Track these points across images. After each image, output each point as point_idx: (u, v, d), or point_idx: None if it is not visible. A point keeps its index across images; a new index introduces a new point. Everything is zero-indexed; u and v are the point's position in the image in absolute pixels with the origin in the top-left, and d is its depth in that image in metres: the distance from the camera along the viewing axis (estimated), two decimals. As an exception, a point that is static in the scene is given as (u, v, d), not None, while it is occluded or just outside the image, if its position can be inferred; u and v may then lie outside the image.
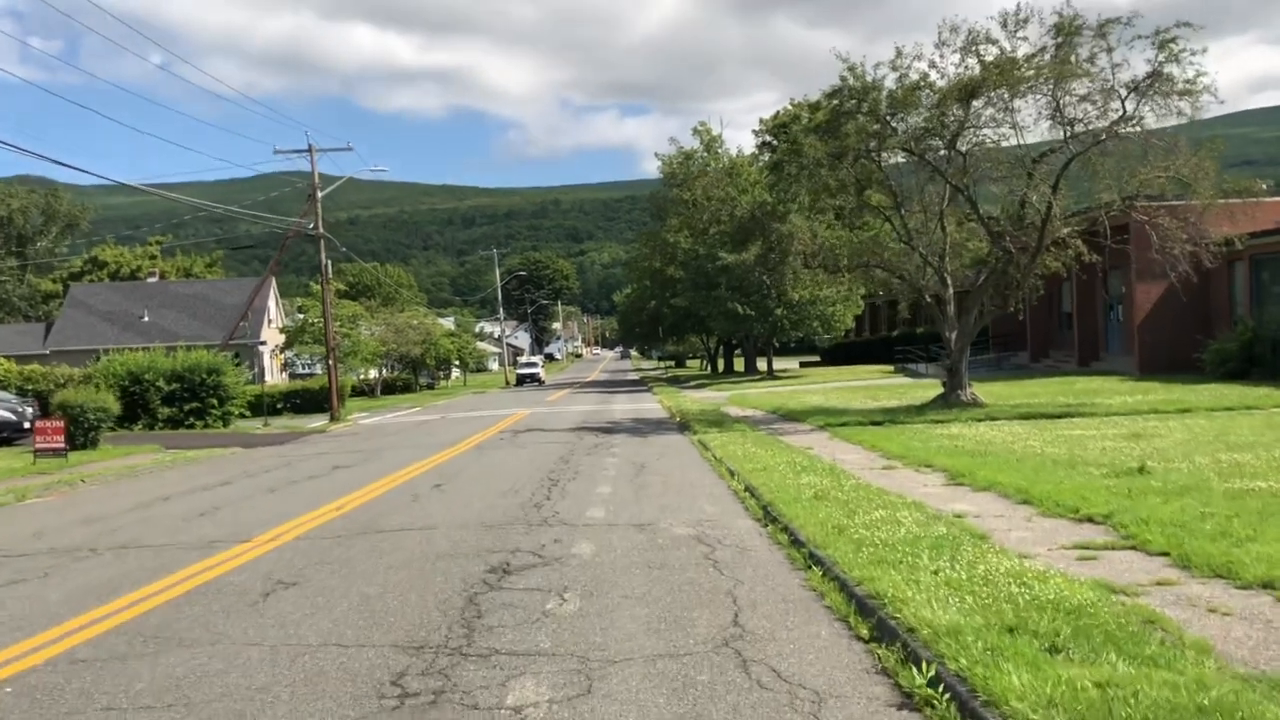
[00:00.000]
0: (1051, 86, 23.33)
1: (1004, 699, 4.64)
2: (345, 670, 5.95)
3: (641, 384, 64.95)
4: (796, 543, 9.14)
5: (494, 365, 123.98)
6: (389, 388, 67.77)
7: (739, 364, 71.57)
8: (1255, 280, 32.24)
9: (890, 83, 25.58)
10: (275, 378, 61.43)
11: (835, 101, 26.57)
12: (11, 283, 72.89)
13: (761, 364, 63.71)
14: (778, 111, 67.48)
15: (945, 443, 17.41)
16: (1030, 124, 24.95)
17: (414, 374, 73.62)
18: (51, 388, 33.77)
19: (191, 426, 35.21)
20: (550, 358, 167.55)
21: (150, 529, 12.06)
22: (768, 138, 68.11)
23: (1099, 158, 24.16)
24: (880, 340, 68.66)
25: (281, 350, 58.48)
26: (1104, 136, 23.49)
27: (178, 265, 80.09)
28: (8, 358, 44.95)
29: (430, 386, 78.85)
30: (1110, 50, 23.39)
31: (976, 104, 24.78)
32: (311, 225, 38.28)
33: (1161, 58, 22.48)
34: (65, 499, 16.34)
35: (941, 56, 24.92)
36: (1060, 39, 23.66)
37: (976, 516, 10.16)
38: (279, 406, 46.65)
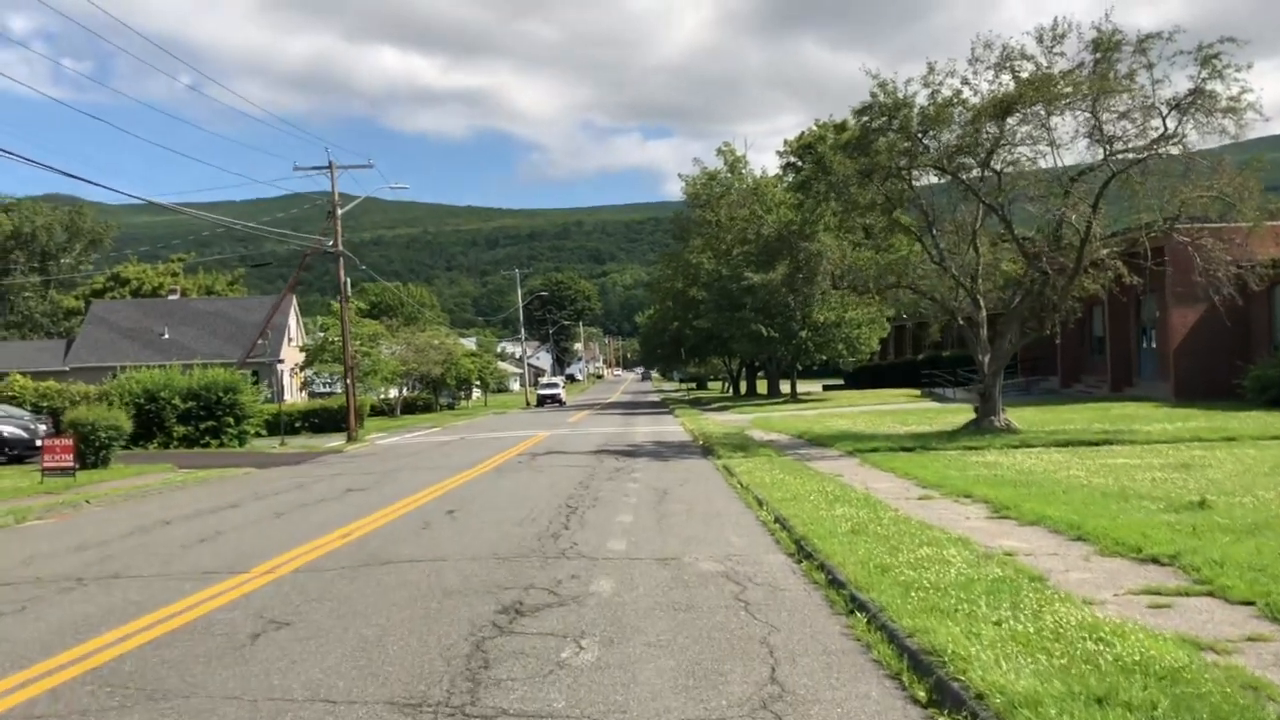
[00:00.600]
0: (1091, 103, 22.55)
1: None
2: (332, 731, 5.24)
3: (663, 406, 64.20)
4: (835, 583, 8.38)
5: (515, 386, 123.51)
6: (409, 407, 67.28)
7: (761, 386, 70.76)
8: (1298, 305, 31.29)
9: (922, 99, 24.90)
10: (295, 396, 61.06)
11: (865, 118, 25.88)
12: (35, 299, 73.00)
13: (784, 387, 62.88)
14: (802, 132, 66.93)
15: (983, 471, 16.60)
16: (1067, 141, 24.21)
17: (434, 394, 73.14)
18: (66, 405, 33.39)
19: (207, 445, 34.71)
20: (571, 379, 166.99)
21: (145, 557, 11.40)
22: (792, 158, 67.58)
23: (1139, 177, 23.38)
24: (905, 364, 67.66)
25: (301, 369, 58.08)
26: (1144, 155, 22.71)
27: (199, 283, 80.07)
28: (27, 374, 44.71)
29: (451, 406, 78.32)
30: (1151, 66, 22.63)
31: (1011, 121, 24.06)
32: (331, 243, 37.83)
33: (1204, 74, 21.66)
34: (65, 522, 15.74)
35: (975, 73, 24.23)
36: (1099, 55, 22.91)
37: (1029, 555, 9.38)
38: (297, 425, 46.17)
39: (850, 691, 5.72)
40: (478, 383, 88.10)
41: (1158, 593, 7.56)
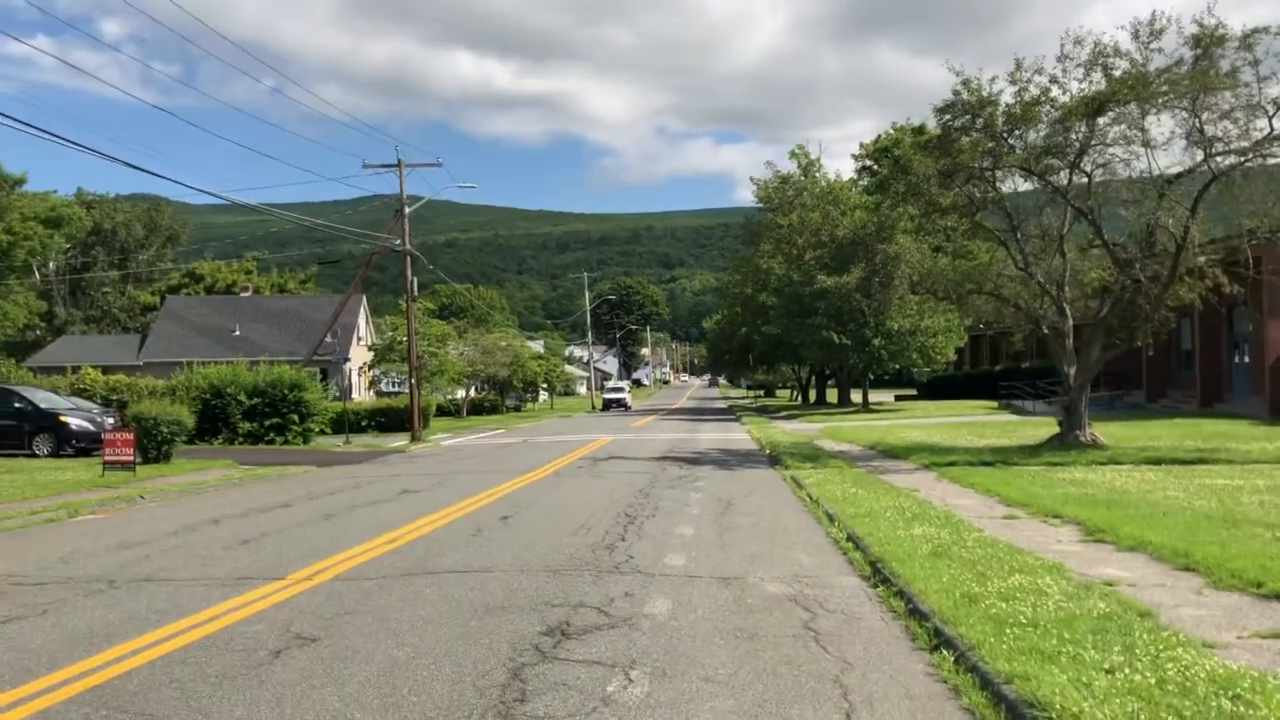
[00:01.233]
0: (1190, 102, 21.25)
1: None
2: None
3: (729, 413, 63.26)
4: (916, 613, 7.53)
5: (581, 389, 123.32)
6: (476, 408, 67.22)
7: (831, 395, 69.44)
8: None
9: (1008, 98, 23.79)
10: (362, 396, 61.30)
11: (947, 117, 24.80)
12: (113, 294, 74.45)
13: (855, 396, 61.55)
14: (879, 135, 65.76)
15: (1071, 489, 15.54)
16: (1162, 143, 22.90)
17: (501, 395, 73.04)
18: (135, 399, 33.56)
19: (271, 442, 34.66)
20: (638, 383, 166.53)
21: (183, 559, 10.92)
22: (868, 162, 66.31)
23: (1241, 181, 22.05)
24: (982, 375, 65.87)
25: (369, 368, 58.27)
26: (1248, 157, 21.37)
27: (272, 281, 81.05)
28: (100, 367, 45.31)
29: (517, 409, 78.22)
30: (1257, 63, 21.31)
31: (1103, 121, 22.83)
32: (398, 242, 37.64)
33: (1318, 71, 20.34)
34: (116, 517, 15.43)
35: (1064, 71, 23.04)
36: (1199, 50, 21.62)
37: (1132, 585, 8.43)
38: (363, 424, 46.16)
39: (939, 748, 4.91)
40: (544, 385, 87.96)
41: (1291, 637, 6.61)
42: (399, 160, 36.70)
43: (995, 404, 52.22)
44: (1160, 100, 21.91)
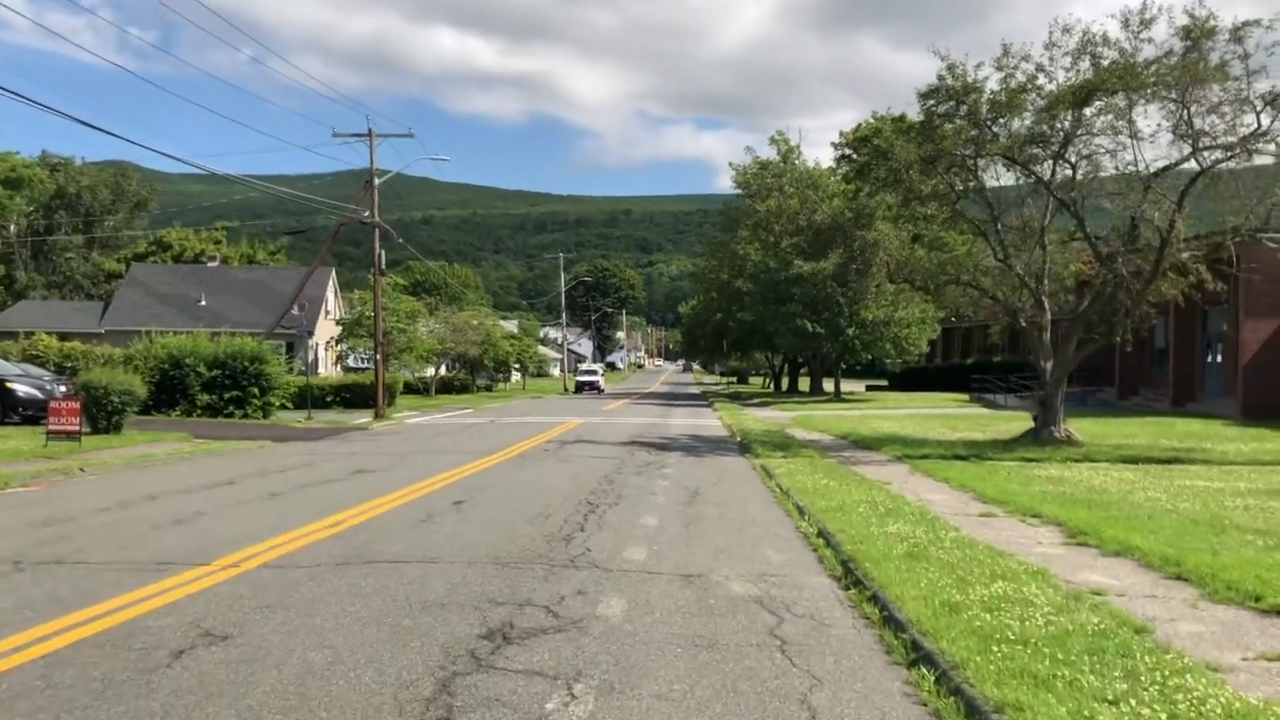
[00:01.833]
0: (1180, 94, 20.72)
1: None
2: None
3: (702, 398, 62.69)
4: (892, 622, 6.90)
5: (555, 371, 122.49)
6: (446, 387, 66.27)
7: (804, 383, 69.02)
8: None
9: (994, 84, 23.21)
10: (330, 371, 60.27)
11: (930, 102, 24.18)
12: (77, 260, 72.77)
13: (828, 385, 61.14)
14: (859, 124, 65.08)
15: (1048, 487, 15.01)
16: (1149, 135, 22.41)
17: (472, 375, 72.08)
18: (90, 367, 32.51)
19: (230, 415, 33.71)
20: (612, 367, 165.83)
21: (106, 538, 10.16)
22: (847, 150, 65.72)
23: (1226, 177, 21.62)
24: (953, 368, 65.61)
25: (336, 343, 57.21)
26: (1236, 151, 20.90)
27: (241, 252, 79.52)
28: (60, 334, 44.14)
29: (488, 388, 77.30)
30: (1246, 57, 20.83)
31: (1089, 111, 22.31)
32: (367, 213, 36.69)
33: (1308, 66, 19.85)
34: (48, 491, 14.60)
35: (1051, 59, 22.49)
36: (1189, 42, 21.10)
37: (1122, 595, 7.86)
38: (328, 400, 45.20)
39: (919, 789, 4.27)
40: (516, 366, 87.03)
41: (1300, 659, 6.03)
42: (369, 130, 35.73)
43: (966, 397, 51.88)
44: (1149, 91, 21.40)
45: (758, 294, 52.87)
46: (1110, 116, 22.15)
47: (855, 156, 58.17)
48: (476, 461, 19.39)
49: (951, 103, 23.77)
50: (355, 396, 45.43)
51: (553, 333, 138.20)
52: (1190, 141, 21.31)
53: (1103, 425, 29.16)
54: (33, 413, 27.31)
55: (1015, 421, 29.93)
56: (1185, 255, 21.82)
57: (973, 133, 23.60)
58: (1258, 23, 20.65)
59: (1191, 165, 21.77)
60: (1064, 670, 5.42)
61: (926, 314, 51.15)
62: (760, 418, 36.88)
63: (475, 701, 5.23)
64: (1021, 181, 24.87)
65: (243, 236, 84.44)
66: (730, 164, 68.27)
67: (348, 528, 10.93)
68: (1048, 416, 23.52)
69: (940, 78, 23.82)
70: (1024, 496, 13.77)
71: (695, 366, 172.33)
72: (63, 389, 28.40)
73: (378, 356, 38.08)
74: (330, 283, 65.61)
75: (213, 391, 33.86)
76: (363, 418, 36.44)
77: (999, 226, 24.26)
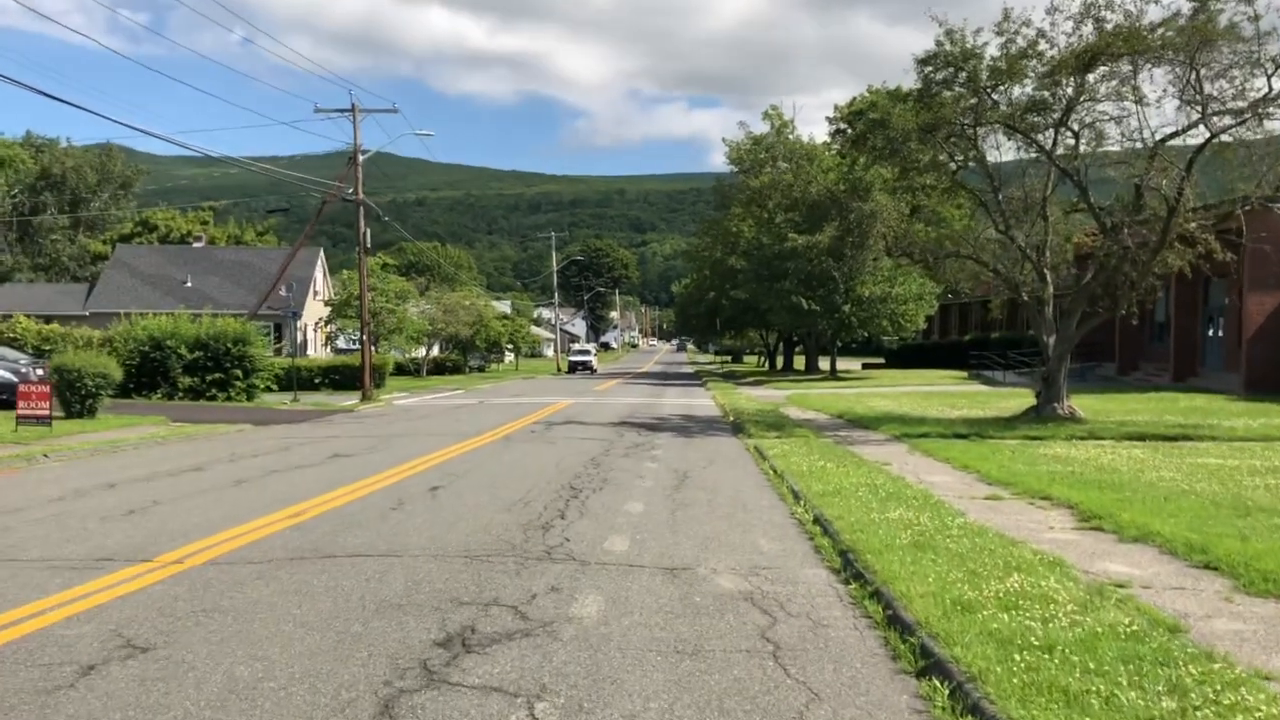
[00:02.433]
0: (1189, 57, 19.90)
1: None
2: None
3: (695, 378, 61.97)
4: (898, 622, 6.20)
5: (549, 351, 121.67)
6: (438, 368, 65.47)
7: (799, 362, 68.30)
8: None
9: (994, 50, 22.41)
10: (319, 352, 59.46)
11: (929, 69, 23.35)
12: (63, 242, 71.63)
13: (823, 363, 60.40)
14: (854, 98, 64.09)
15: (1055, 467, 14.32)
16: (1155, 100, 21.64)
17: (464, 356, 71.30)
18: (69, 349, 31.72)
19: (214, 398, 32.95)
20: (606, 346, 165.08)
21: (46, 532, 9.43)
22: (842, 125, 64.77)
23: (1235, 144, 20.86)
24: (950, 344, 64.90)
25: (325, 324, 56.37)
26: (1247, 116, 20.12)
27: (229, 233, 78.39)
28: (44, 317, 43.30)
29: (481, 369, 76.53)
30: (1257, 18, 20.06)
31: (1092, 77, 21.51)
32: (350, 190, 35.81)
33: (1322, 27, 19.06)
34: (3, 479, 13.86)
35: (1053, 24, 21.68)
36: (1197, 3, 20.31)
37: (1146, 587, 7.17)
38: (317, 382, 44.44)
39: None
40: (509, 346, 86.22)
41: (1357, 664, 5.33)
42: (352, 105, 34.78)
43: (964, 374, 51.22)
44: (1155, 55, 20.60)
45: (751, 271, 52.05)
46: (1115, 82, 21.36)
47: (850, 130, 57.32)
48: (459, 444, 18.67)
49: (950, 69, 22.97)
50: (344, 378, 44.65)
51: (546, 313, 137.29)
52: (1199, 107, 20.54)
53: (1105, 401, 28.52)
54: (6, 397, 26.53)
55: (1015, 398, 29.29)
56: (1193, 225, 21.07)
57: (972, 101, 22.82)
58: (1269, -18, 19.89)
59: (1199, 134, 21.02)
60: (1098, 684, 4.71)
61: (924, 289, 50.40)
62: (754, 397, 36.19)
63: (419, 727, 4.51)
64: (1023, 153, 24.11)
65: (230, 218, 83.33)
66: (724, 139, 67.30)
67: (310, 518, 10.20)
68: (1050, 393, 22.83)
69: (939, 44, 23.01)
70: (1031, 477, 13.09)
71: (689, 346, 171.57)
72: (39, 372, 27.63)
73: (364, 337, 37.29)
74: (319, 263, 64.65)
75: (195, 374, 33.09)
76: (350, 400, 35.71)
77: (1000, 198, 23.49)
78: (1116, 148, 22.02)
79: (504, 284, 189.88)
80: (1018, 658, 5.12)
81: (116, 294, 56.19)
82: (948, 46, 22.85)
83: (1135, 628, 5.75)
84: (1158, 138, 21.28)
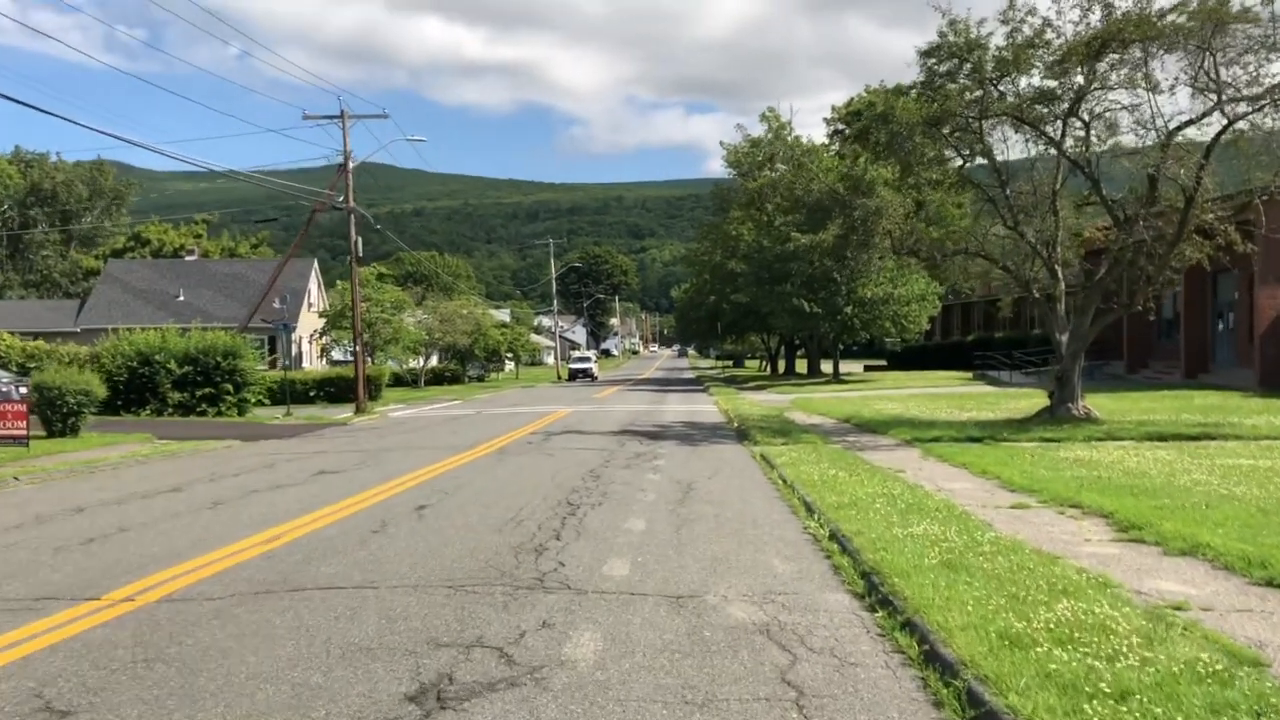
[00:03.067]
0: (1204, 40, 19.14)
1: None
2: None
3: (697, 383, 61.19)
4: (937, 660, 5.41)
5: (549, 359, 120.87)
6: (437, 378, 64.67)
7: (801, 365, 67.49)
8: None
9: (999, 39, 21.66)
10: (315, 364, 58.68)
11: (932, 60, 22.59)
12: (54, 258, 70.86)
13: (825, 366, 59.60)
14: (852, 98, 63.48)
15: (1080, 471, 13.55)
16: (1168, 87, 20.86)
17: (462, 365, 70.48)
18: (52, 366, 30.95)
19: (204, 414, 32.16)
20: (607, 353, 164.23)
21: (-4, 564, 8.65)
22: (840, 126, 64.10)
23: (1250, 132, 20.13)
24: (953, 345, 64.15)
25: (320, 335, 55.60)
26: (1265, 102, 19.39)
27: (223, 245, 77.63)
28: (35, 334, 42.54)
29: (480, 379, 75.70)
30: (1272, 1, 19.35)
31: (1102, 65, 20.75)
32: (341, 198, 35.06)
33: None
34: (-33, 504, 13.08)
35: (1059, 13, 20.95)
36: (1208, -14, 19.57)
37: (1208, 609, 6.40)
38: (311, 395, 43.66)
39: None
40: (509, 355, 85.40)
41: None
42: (341, 111, 34.06)
43: (969, 375, 50.43)
44: (1167, 40, 19.85)
45: (752, 274, 51.31)
46: (1127, 70, 20.61)
47: (848, 130, 56.62)
48: (452, 458, 17.88)
49: (954, 60, 22.22)
50: (339, 391, 43.84)
51: (547, 321, 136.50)
52: (1214, 94, 19.79)
53: (1118, 400, 27.73)
54: (-13, 417, 25.76)
55: (1025, 399, 28.52)
56: (1210, 216, 20.31)
57: (978, 93, 22.09)
58: (1280, -38, 19.17)
59: (1213, 122, 20.28)
60: (1193, 745, 3.93)
61: (928, 290, 49.66)
62: (757, 401, 35.41)
63: (374, 815, 3.73)
64: (1031, 147, 23.35)
65: (224, 231, 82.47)
66: (721, 143, 66.76)
67: (284, 544, 9.41)
68: (1064, 393, 22.05)
69: (941, 35, 22.27)
70: (1056, 483, 12.31)
71: (690, 351, 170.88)
72: (23, 390, 26.85)
73: (357, 348, 36.52)
74: (313, 274, 63.90)
75: (185, 389, 32.32)
76: (344, 413, 34.92)
77: (1007, 193, 22.73)
78: (1129, 137, 21.29)
79: (504, 293, 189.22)
80: (1088, 709, 4.34)
81: (108, 309, 55.45)
82: (951, 37, 22.11)
83: (1217, 667, 4.96)
84: (1172, 126, 20.55)
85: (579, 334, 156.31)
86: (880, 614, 6.59)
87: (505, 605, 6.94)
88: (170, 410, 32.03)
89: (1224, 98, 19.65)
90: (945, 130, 22.36)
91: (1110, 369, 44.24)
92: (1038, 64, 21.56)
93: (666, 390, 51.23)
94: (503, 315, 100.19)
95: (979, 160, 23.42)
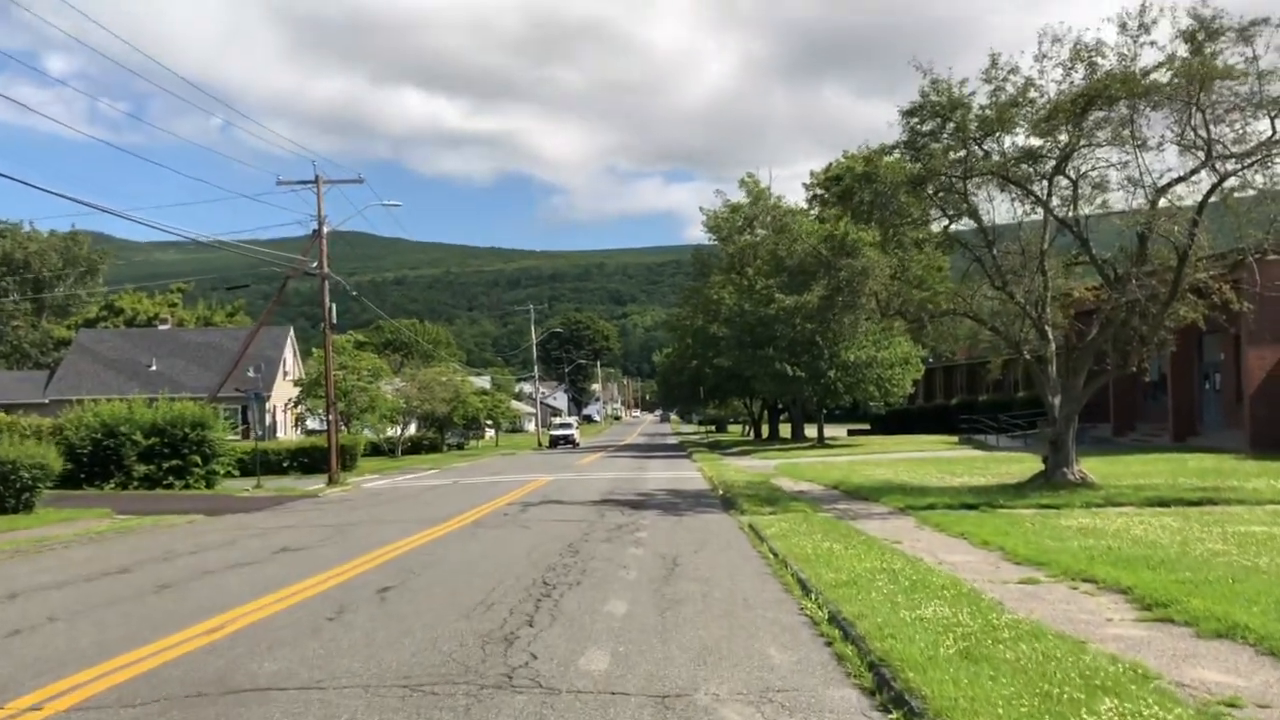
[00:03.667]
0: (1194, 95, 18.83)
1: None
2: None
3: (680, 449, 60.33)
4: (970, 781, 4.61)
5: (530, 426, 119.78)
6: (415, 447, 63.57)
7: (784, 430, 66.81)
8: None
9: (983, 97, 21.36)
10: (289, 434, 57.56)
11: (914, 120, 22.24)
12: (25, 328, 69.76)
13: (809, 431, 58.94)
14: (830, 163, 63.72)
15: (1087, 541, 12.80)
16: (1155, 147, 20.54)
17: (441, 433, 69.41)
18: (16, 440, 29.90)
19: (170, 486, 31.06)
20: (589, 419, 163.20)
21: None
22: (819, 191, 64.24)
23: (1241, 189, 19.83)
24: (936, 409, 63.69)
25: (295, 404, 54.56)
26: (1255, 159, 19.06)
27: (198, 314, 76.73)
28: (2, 407, 41.39)
29: (459, 447, 74.58)
30: (1256, 58, 19.09)
31: (1088, 123, 20.44)
32: (315, 264, 34.40)
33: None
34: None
35: (1041, 72, 20.69)
36: (1192, 46, 19.33)
37: (1265, 707, 5.64)
38: (284, 465, 42.54)
39: None
40: (489, 422, 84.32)
41: None
42: (316, 176, 33.56)
43: (955, 439, 49.82)
44: (1153, 98, 19.56)
45: (734, 338, 50.85)
46: (1113, 127, 20.30)
47: (827, 194, 56.64)
48: (423, 532, 16.97)
49: (937, 119, 21.88)
50: (314, 461, 42.73)
51: (528, 387, 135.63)
52: (1203, 151, 19.47)
53: (1110, 464, 27.07)
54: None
55: (1015, 463, 27.87)
56: (1203, 275, 19.86)
57: (961, 152, 21.73)
58: (1266, 21, 18.94)
59: (1201, 180, 19.95)
60: None
61: (910, 354, 49.27)
62: (742, 467, 34.59)
63: None
64: (1018, 206, 22.95)
65: (200, 299, 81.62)
66: (701, 208, 66.89)
67: (228, 634, 8.52)
68: (1059, 457, 21.34)
69: (923, 94, 21.93)
70: (1064, 554, 11.55)
71: (673, 416, 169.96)
72: (-21, 465, 25.82)
73: (330, 417, 35.61)
74: (289, 342, 63.02)
75: (151, 461, 31.27)
76: (316, 484, 33.89)
77: (994, 253, 22.26)
78: (1117, 195, 20.92)
79: (485, 359, 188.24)
80: None
81: (78, 380, 54.30)
82: (933, 96, 21.78)
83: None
84: (1161, 184, 20.18)
85: (560, 400, 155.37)
86: (895, 715, 5.78)
87: (467, 710, 6.09)
88: (135, 483, 30.95)
89: (1213, 154, 19.33)
90: (930, 190, 21.97)
91: (1097, 432, 43.71)
92: (1022, 122, 21.25)
93: (649, 456, 50.37)
94: (483, 382, 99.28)
95: (965, 221, 23.03)
